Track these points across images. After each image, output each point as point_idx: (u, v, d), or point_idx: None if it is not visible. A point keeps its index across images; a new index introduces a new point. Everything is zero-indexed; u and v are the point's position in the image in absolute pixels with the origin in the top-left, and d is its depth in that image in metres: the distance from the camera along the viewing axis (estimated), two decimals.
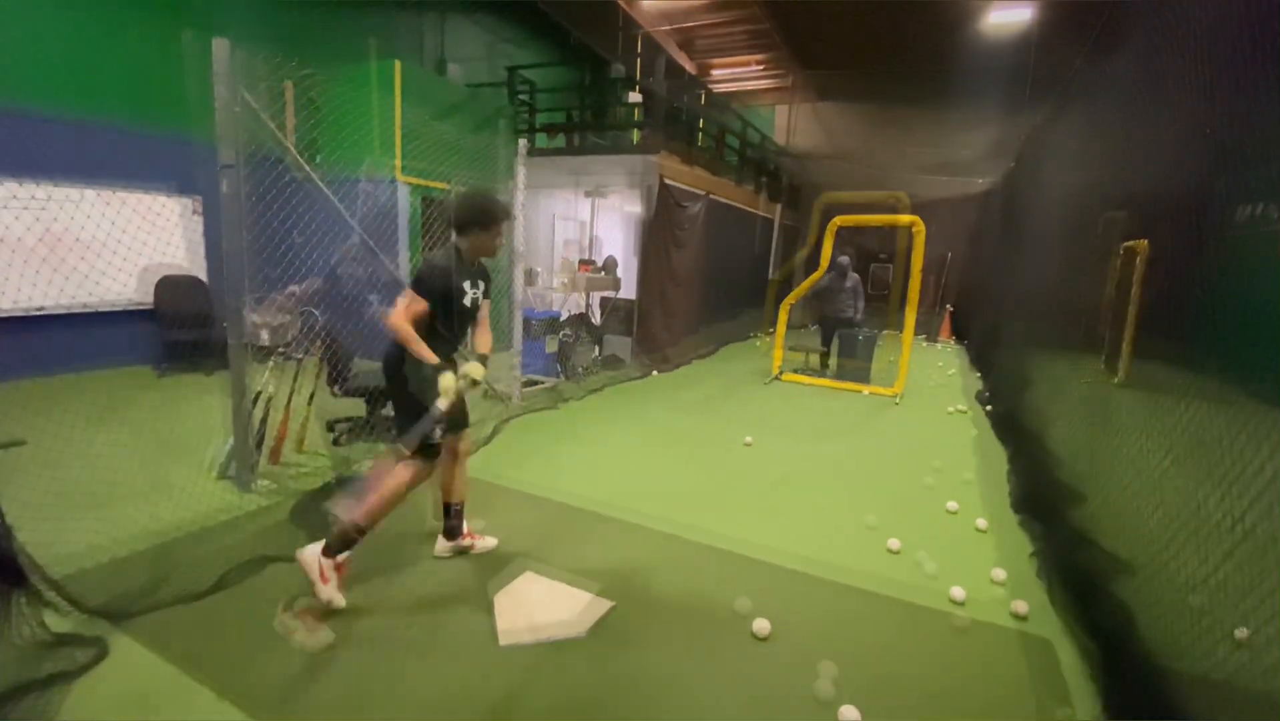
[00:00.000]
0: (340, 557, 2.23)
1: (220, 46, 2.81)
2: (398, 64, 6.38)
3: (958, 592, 2.57)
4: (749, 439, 4.73)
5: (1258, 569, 1.66)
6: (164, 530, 2.71)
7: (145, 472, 3.08)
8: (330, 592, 2.18)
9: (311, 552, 2.23)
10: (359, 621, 2.23)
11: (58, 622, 2.03)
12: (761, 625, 2.27)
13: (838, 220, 6.80)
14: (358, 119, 5.76)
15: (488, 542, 2.84)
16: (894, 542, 3.02)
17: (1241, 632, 1.71)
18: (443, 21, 8.82)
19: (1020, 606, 2.48)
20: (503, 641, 2.16)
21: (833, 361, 7.41)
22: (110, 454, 3.44)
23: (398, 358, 2.40)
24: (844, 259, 7.18)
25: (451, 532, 2.74)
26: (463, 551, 2.78)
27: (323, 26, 7.18)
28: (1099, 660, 2.12)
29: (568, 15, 9.80)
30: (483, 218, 2.45)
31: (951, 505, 3.56)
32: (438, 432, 2.34)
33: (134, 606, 2.22)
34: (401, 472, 2.33)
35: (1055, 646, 2.29)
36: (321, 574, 2.19)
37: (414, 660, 2.06)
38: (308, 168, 3.87)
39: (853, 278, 7.25)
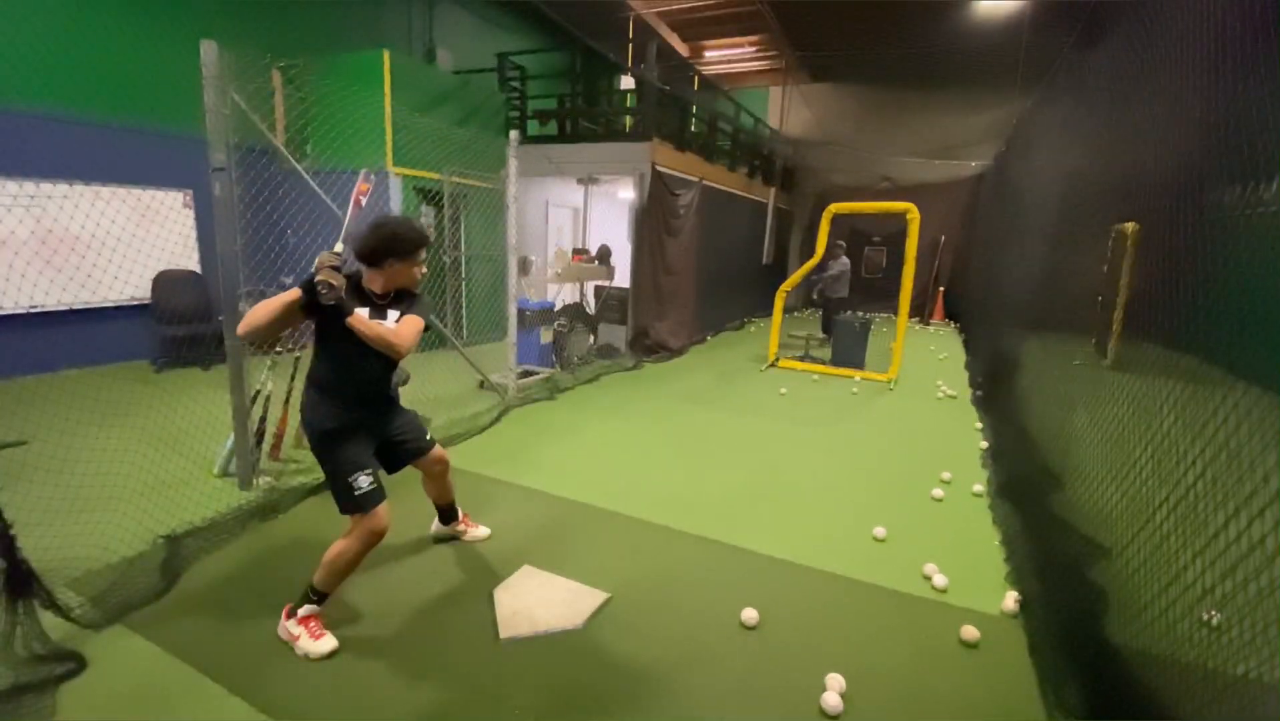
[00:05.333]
0: (303, 612, 2.12)
1: (208, 49, 2.81)
2: (386, 54, 6.32)
3: (940, 580, 2.67)
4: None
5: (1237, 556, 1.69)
6: (168, 528, 2.77)
7: (147, 471, 3.13)
8: (308, 646, 2.08)
9: (281, 625, 2.15)
10: (365, 618, 2.30)
11: (58, 627, 2.07)
12: (750, 614, 2.35)
13: (833, 207, 6.83)
14: (347, 111, 5.73)
15: (479, 532, 2.95)
16: (880, 530, 3.11)
17: (1211, 615, 1.78)
18: (431, 7, 8.71)
19: (1010, 600, 2.54)
20: (503, 634, 2.24)
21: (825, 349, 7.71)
22: (111, 452, 3.49)
23: (307, 411, 2.22)
24: (840, 242, 7.54)
25: (446, 518, 2.87)
26: (455, 536, 2.90)
27: (312, 16, 7.10)
28: (1073, 648, 2.20)
29: (556, 4, 9.65)
30: (400, 247, 2.16)
31: (937, 492, 3.65)
32: (361, 481, 2.13)
33: (142, 604, 2.29)
34: (343, 541, 2.14)
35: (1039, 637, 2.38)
36: (292, 636, 2.11)
37: (419, 655, 2.13)
38: (297, 164, 3.87)
39: (844, 261, 8.15)
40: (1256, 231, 2.01)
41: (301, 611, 2.13)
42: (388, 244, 2.16)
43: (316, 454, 2.20)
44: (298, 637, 2.10)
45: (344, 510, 2.16)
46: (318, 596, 2.14)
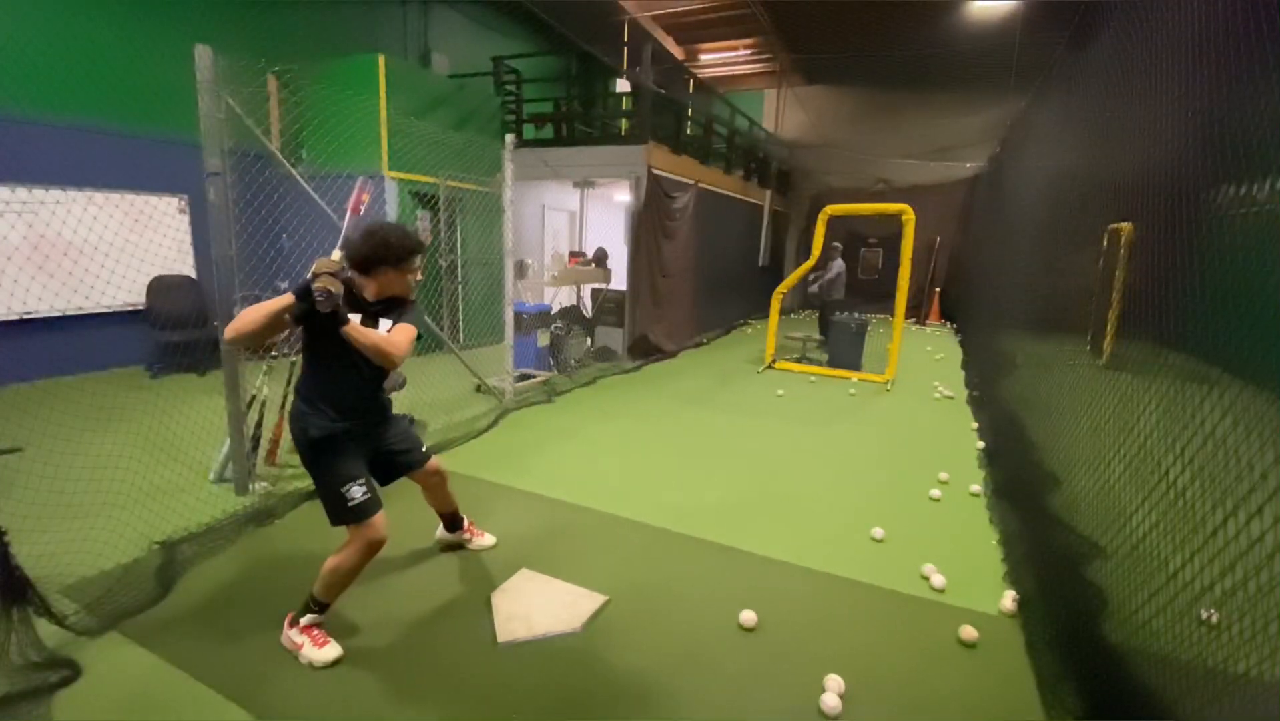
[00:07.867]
0: (305, 621, 2.11)
1: (202, 53, 2.80)
2: (381, 58, 6.32)
3: (939, 581, 2.67)
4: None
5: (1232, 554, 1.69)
6: (164, 535, 2.75)
7: (142, 477, 3.11)
8: (312, 654, 2.07)
9: (284, 633, 2.12)
10: (362, 623, 2.29)
11: (53, 635, 2.06)
12: (748, 616, 2.35)
13: (829, 209, 6.84)
14: (343, 115, 5.73)
15: (484, 541, 2.91)
16: (878, 531, 3.11)
17: (1208, 614, 1.78)
18: (426, 11, 8.72)
19: (1008, 600, 2.54)
20: (501, 639, 2.23)
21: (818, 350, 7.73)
22: (107, 458, 3.46)
23: (295, 421, 2.16)
24: (836, 244, 7.38)
25: (451, 525, 2.83)
26: (461, 545, 2.87)
27: (307, 21, 7.10)
28: (1071, 647, 2.20)
29: (550, 7, 9.66)
30: (392, 255, 2.12)
31: (935, 493, 3.65)
32: (354, 492, 2.10)
33: (138, 611, 2.27)
34: (341, 553, 2.11)
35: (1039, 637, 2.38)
36: (295, 645, 2.09)
37: (416, 660, 2.13)
38: (292, 170, 3.86)
39: (840, 264, 7.88)
40: (1252, 230, 2.02)
41: (304, 620, 2.12)
42: (380, 251, 2.12)
43: (306, 465, 2.17)
44: (301, 646, 2.09)
45: (336, 522, 2.12)
46: (318, 606, 2.13)
